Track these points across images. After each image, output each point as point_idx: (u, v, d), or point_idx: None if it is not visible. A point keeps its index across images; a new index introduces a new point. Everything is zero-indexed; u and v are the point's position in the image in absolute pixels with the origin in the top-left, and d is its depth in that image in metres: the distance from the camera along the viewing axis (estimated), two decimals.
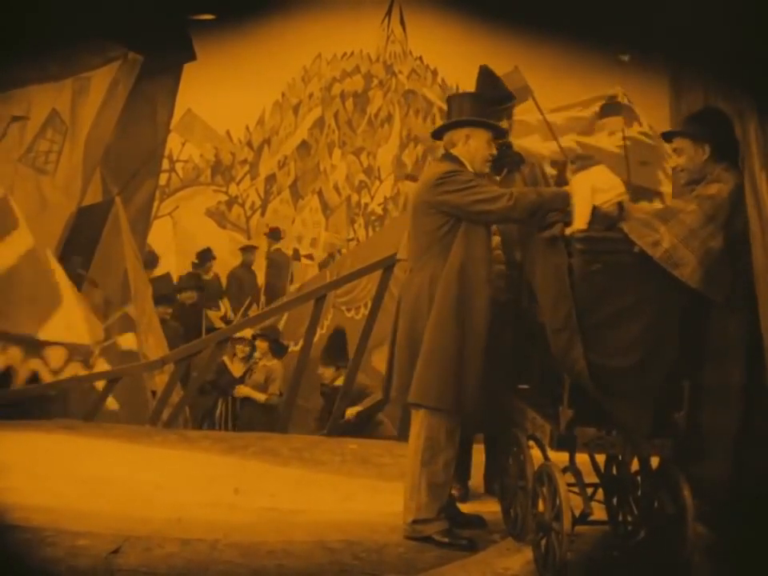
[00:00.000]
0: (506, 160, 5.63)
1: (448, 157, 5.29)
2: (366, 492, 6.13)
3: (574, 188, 4.83)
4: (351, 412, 8.49)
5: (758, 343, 4.50)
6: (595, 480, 5.16)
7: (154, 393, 9.53)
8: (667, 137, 5.17)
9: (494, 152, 5.31)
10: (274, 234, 14.39)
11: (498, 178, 5.63)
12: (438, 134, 5.39)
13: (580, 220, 4.72)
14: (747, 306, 4.61)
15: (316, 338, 8.79)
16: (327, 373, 9.15)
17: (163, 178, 15.09)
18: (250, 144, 16.34)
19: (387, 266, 8.04)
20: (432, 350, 5.10)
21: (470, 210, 5.09)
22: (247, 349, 10.08)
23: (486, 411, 5.17)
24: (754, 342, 4.57)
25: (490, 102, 5.48)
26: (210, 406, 10.00)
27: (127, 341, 9.76)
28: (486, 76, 5.89)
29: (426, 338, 5.11)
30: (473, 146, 5.25)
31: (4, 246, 8.89)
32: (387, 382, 5.38)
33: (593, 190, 4.74)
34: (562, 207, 4.90)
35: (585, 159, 5.04)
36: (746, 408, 4.70)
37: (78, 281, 10.03)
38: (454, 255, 5.11)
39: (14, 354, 8.76)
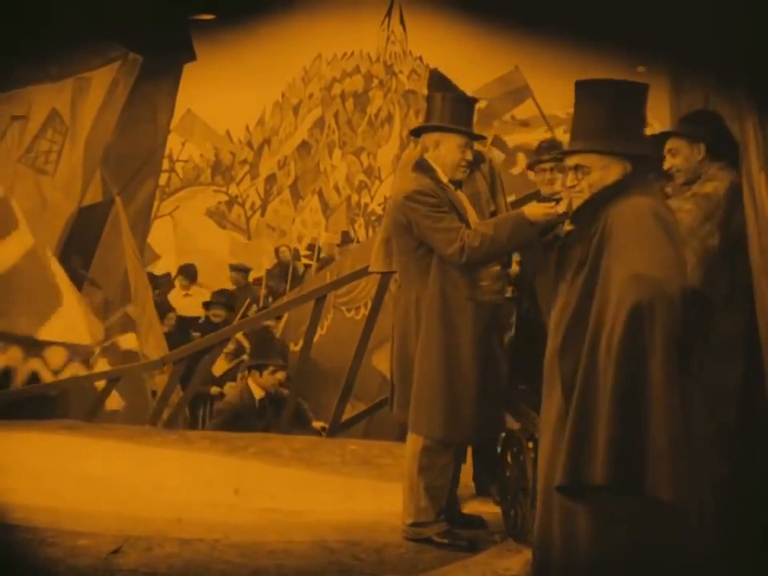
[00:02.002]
0: None
1: (420, 165, 5.16)
2: (366, 492, 6.13)
3: None
4: (317, 425, 8.37)
5: (756, 343, 4.50)
6: None
7: (154, 393, 9.53)
8: (661, 138, 5.15)
9: (469, 157, 5.16)
10: None
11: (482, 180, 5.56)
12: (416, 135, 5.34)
13: None
14: (744, 305, 4.61)
15: (316, 338, 8.79)
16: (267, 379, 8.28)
17: (163, 178, 15.11)
18: (250, 144, 16.36)
19: None
20: (421, 380, 5.06)
21: (426, 238, 5.03)
22: (232, 346, 9.95)
23: (483, 428, 5.16)
24: (751, 342, 4.57)
25: (469, 103, 5.37)
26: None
27: (128, 341, 9.75)
28: (437, 80, 5.78)
29: (416, 366, 5.08)
30: (442, 152, 5.12)
31: (4, 246, 8.88)
32: (390, 393, 5.37)
33: None
34: (523, 240, 4.91)
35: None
36: (743, 408, 4.70)
37: (79, 280, 10.00)
38: (432, 279, 5.03)
39: (14, 354, 8.76)
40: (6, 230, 8.93)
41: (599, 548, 3.54)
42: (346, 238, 13.41)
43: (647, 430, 3.39)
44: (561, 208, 4.81)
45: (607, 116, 3.67)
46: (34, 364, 8.83)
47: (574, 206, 3.74)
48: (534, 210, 4.89)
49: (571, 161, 3.71)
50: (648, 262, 3.47)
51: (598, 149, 3.67)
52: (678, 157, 4.89)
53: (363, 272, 8.52)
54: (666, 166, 4.94)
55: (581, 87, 3.81)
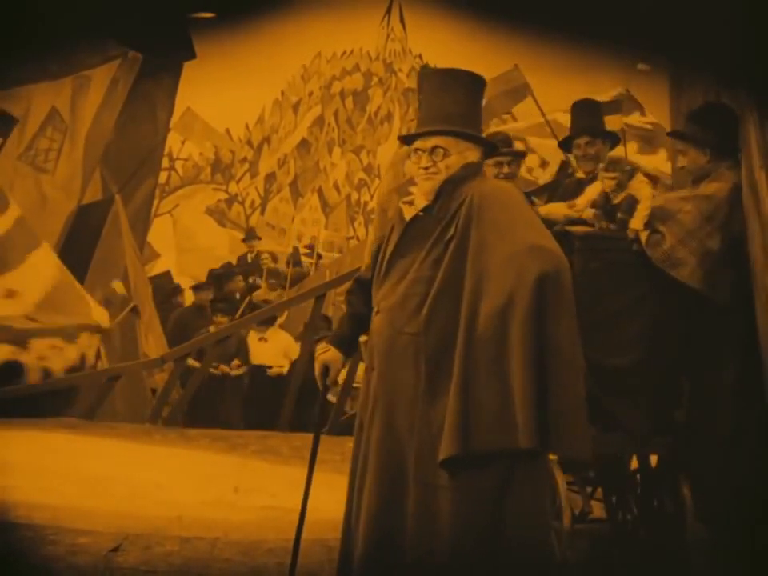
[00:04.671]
0: None
1: None
2: None
3: (639, 189, 4.79)
4: None
5: (754, 342, 4.51)
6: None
7: (153, 391, 9.54)
8: (672, 137, 5.17)
9: None
10: None
11: None
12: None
13: (639, 221, 4.70)
14: (742, 306, 4.61)
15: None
16: None
17: (163, 177, 15.11)
18: (249, 142, 16.36)
19: None
20: None
21: None
22: None
23: None
24: (750, 341, 4.57)
25: None
26: None
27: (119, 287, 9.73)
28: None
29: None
30: None
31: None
32: None
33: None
34: None
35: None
36: (741, 407, 4.70)
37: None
38: None
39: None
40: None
41: (462, 524, 3.53)
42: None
43: (561, 390, 3.47)
44: (586, 213, 4.80)
45: (461, 103, 3.77)
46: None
47: (429, 187, 3.74)
48: (553, 210, 4.87)
49: (428, 143, 3.74)
50: (540, 236, 3.60)
51: (462, 130, 3.75)
52: (686, 157, 4.90)
53: None
54: (680, 164, 4.97)
55: (431, 76, 3.93)
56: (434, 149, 3.73)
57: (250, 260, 13.18)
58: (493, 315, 3.49)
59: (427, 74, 3.96)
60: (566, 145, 5.60)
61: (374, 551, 3.68)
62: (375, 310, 3.76)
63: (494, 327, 3.49)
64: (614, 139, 5.43)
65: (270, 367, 9.86)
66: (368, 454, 3.74)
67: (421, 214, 3.77)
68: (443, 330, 3.58)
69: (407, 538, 3.60)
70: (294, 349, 9.68)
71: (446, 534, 3.54)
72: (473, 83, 3.85)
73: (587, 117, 5.41)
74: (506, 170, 5.56)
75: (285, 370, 9.72)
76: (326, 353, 3.93)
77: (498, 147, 4.09)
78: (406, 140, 3.91)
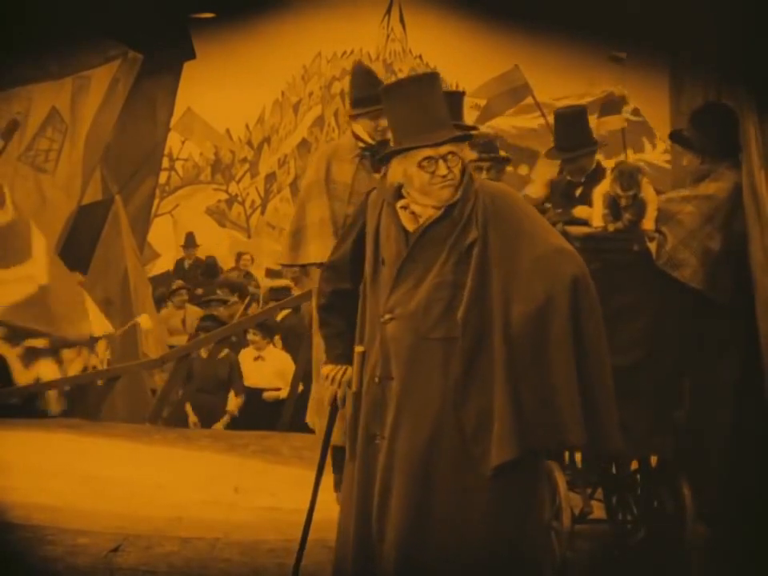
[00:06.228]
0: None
1: None
2: None
3: (645, 190, 4.78)
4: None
5: (755, 343, 4.51)
6: None
7: (153, 391, 9.53)
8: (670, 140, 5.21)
9: None
10: None
11: (377, 176, 5.36)
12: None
13: (651, 222, 4.70)
14: (744, 306, 4.61)
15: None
16: None
17: (163, 177, 15.10)
18: (249, 142, 16.35)
19: None
20: None
21: None
22: None
23: None
24: (750, 342, 4.57)
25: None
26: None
27: (146, 321, 9.62)
28: (359, 75, 5.64)
29: None
30: None
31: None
32: None
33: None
34: None
35: None
36: (740, 407, 4.70)
37: None
38: None
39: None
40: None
41: (496, 526, 3.54)
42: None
43: (598, 386, 3.55)
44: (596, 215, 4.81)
45: (444, 105, 3.70)
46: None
47: (448, 194, 3.61)
48: (574, 230, 4.85)
49: (441, 150, 3.60)
50: (559, 238, 3.67)
51: (468, 132, 3.76)
52: (685, 158, 4.93)
53: None
54: (684, 163, 5.00)
55: (400, 87, 3.80)
56: (447, 155, 3.61)
57: (187, 267, 13.21)
58: (530, 316, 3.51)
59: (393, 87, 3.79)
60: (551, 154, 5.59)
61: (407, 561, 3.60)
62: (388, 317, 3.65)
63: (532, 328, 3.51)
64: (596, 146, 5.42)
65: (265, 390, 9.02)
66: (393, 466, 3.64)
67: (434, 221, 3.66)
68: (476, 333, 3.57)
69: (439, 544, 3.58)
70: (291, 370, 8.83)
71: (478, 537, 3.53)
72: (438, 82, 3.77)
73: (567, 133, 5.36)
74: (484, 175, 5.45)
75: (282, 394, 8.85)
76: (345, 374, 3.85)
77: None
78: (388, 154, 3.74)
